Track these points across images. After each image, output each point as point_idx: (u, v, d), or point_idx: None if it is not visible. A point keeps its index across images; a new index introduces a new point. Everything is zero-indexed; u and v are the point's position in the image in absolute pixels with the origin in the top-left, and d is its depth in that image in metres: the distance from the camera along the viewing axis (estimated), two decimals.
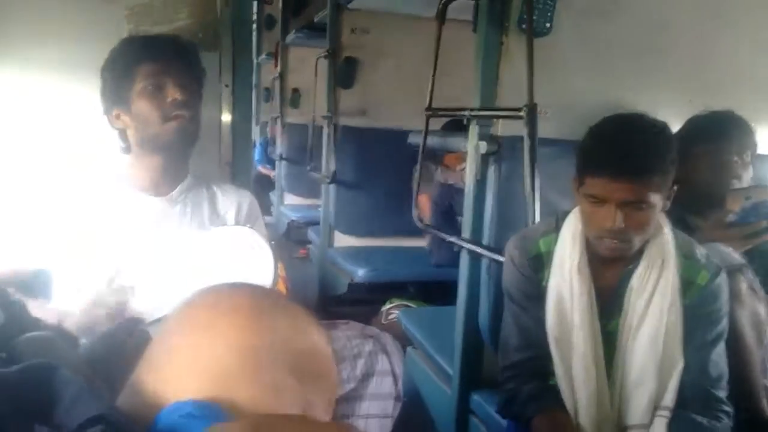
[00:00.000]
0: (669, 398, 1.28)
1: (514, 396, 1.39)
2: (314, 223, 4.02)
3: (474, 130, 1.72)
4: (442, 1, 1.94)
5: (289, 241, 4.69)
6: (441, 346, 2.01)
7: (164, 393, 0.51)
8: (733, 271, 1.39)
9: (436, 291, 2.92)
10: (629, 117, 1.29)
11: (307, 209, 4.72)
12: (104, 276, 1.34)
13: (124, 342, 0.93)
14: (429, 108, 2.05)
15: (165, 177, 1.44)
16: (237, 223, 1.51)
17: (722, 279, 1.32)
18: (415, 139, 2.21)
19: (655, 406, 1.29)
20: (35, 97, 1.65)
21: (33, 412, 0.46)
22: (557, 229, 1.39)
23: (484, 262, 1.72)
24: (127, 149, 1.44)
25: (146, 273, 1.35)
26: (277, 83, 4.82)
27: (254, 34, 5.38)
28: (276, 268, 1.15)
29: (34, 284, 1.37)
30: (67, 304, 1.30)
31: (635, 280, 1.32)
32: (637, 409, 1.30)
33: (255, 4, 5.54)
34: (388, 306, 2.91)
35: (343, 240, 3.51)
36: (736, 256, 1.46)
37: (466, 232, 1.80)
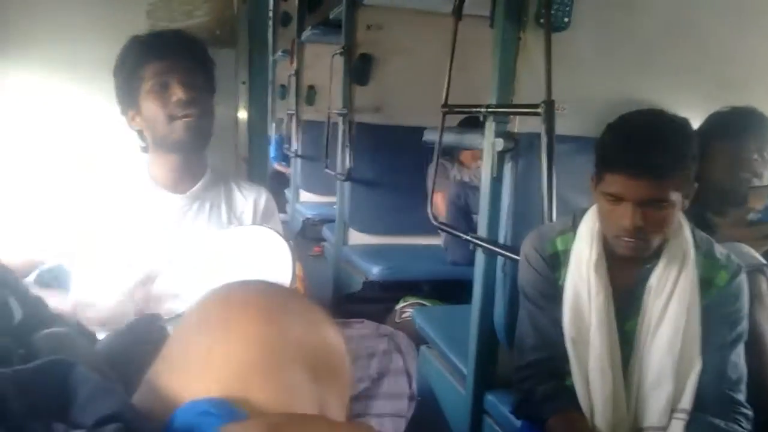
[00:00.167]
0: (686, 400, 1.27)
1: (529, 396, 1.38)
2: (329, 220, 4.03)
3: (490, 127, 1.71)
4: None
5: (304, 238, 4.71)
6: (455, 346, 2.01)
7: (180, 390, 0.51)
8: (753, 271, 1.37)
9: (450, 289, 2.91)
10: (649, 113, 1.27)
11: (323, 207, 4.72)
12: (125, 272, 1.35)
13: (141, 339, 0.94)
14: (445, 105, 2.04)
15: (183, 174, 1.45)
16: (254, 219, 1.52)
17: (742, 279, 1.30)
18: (430, 137, 2.20)
19: (672, 408, 1.27)
20: (56, 94, 1.66)
21: (50, 408, 0.46)
22: (574, 227, 1.38)
23: (500, 261, 1.71)
24: (147, 148, 1.45)
25: (166, 270, 1.36)
26: (292, 80, 4.83)
27: (270, 31, 5.39)
28: (294, 268, 1.15)
29: (51, 278, 1.39)
30: (86, 298, 1.32)
31: (654, 280, 1.30)
32: (654, 410, 1.28)
33: (271, 1, 5.55)
34: (402, 304, 2.91)
35: (358, 238, 3.51)
36: (756, 255, 1.44)
37: (481, 230, 1.79)
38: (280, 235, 1.21)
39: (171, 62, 1.36)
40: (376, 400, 1.38)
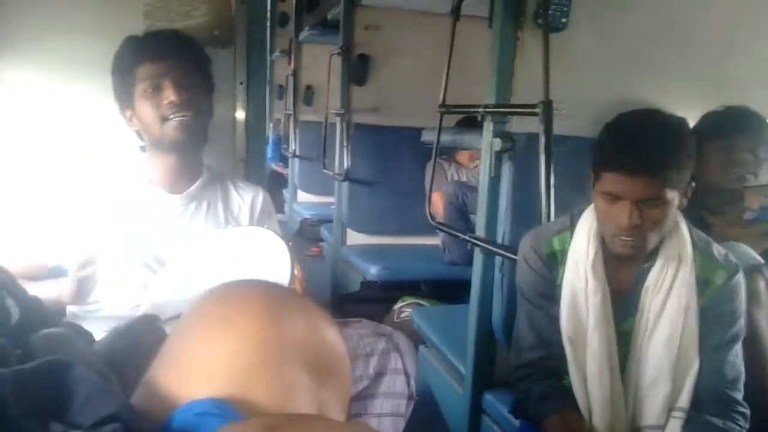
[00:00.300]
0: (684, 399, 1.27)
1: (527, 395, 1.38)
2: (327, 220, 4.02)
3: (488, 127, 1.71)
4: None
5: (301, 238, 4.70)
6: (453, 345, 2.00)
7: (179, 390, 0.51)
8: (750, 271, 1.38)
9: (448, 289, 2.91)
10: (645, 113, 1.28)
11: (320, 207, 4.72)
12: (125, 269, 1.35)
13: (139, 339, 0.94)
14: (443, 105, 2.04)
15: (179, 174, 1.45)
16: (251, 219, 1.52)
17: (740, 278, 1.31)
18: (428, 137, 2.20)
19: (669, 407, 1.28)
20: (54, 95, 1.66)
21: (48, 409, 0.46)
22: (572, 226, 1.38)
23: (498, 261, 1.71)
24: (145, 147, 1.45)
25: (163, 269, 1.36)
26: (290, 80, 4.83)
27: (268, 31, 5.38)
28: (293, 268, 1.15)
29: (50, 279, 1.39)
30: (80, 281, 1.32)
31: (651, 279, 1.30)
32: (651, 409, 1.28)
33: (269, 1, 5.55)
34: (400, 304, 2.90)
35: (355, 238, 3.51)
36: (754, 254, 1.44)
37: (479, 230, 1.79)
38: (279, 235, 1.21)
39: (164, 64, 1.36)
40: (374, 399, 1.39)
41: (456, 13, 1.97)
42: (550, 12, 1.57)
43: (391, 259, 3.16)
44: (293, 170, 5.10)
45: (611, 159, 1.23)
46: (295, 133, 4.86)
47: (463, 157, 3.37)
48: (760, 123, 1.65)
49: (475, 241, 1.78)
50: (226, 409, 0.47)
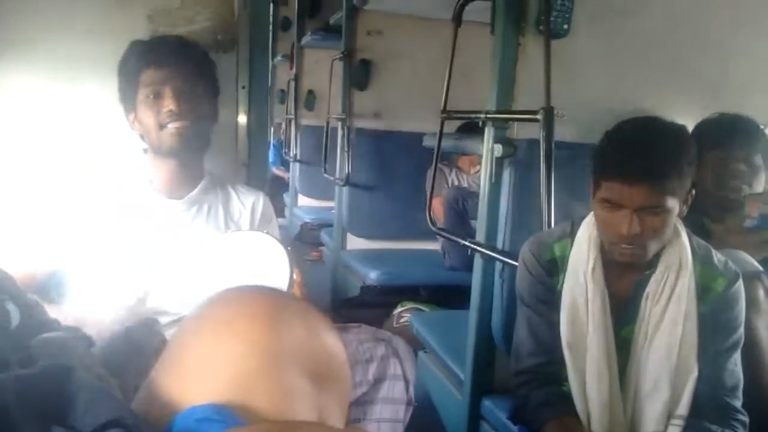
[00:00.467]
0: (683, 407, 1.27)
1: (526, 402, 1.38)
2: (328, 225, 4.03)
3: (489, 132, 1.72)
4: (459, 3, 1.94)
5: (302, 243, 4.70)
6: (453, 351, 2.00)
7: (179, 396, 0.51)
8: (750, 278, 1.37)
9: (448, 295, 2.91)
10: (646, 120, 1.28)
11: (321, 211, 4.73)
12: (123, 279, 1.35)
13: (140, 344, 0.94)
14: (444, 110, 2.04)
15: (180, 179, 1.45)
16: (251, 224, 1.52)
17: (740, 286, 1.30)
18: (429, 142, 2.20)
19: (668, 415, 1.27)
20: (56, 99, 1.67)
21: (48, 413, 0.46)
22: (572, 233, 1.38)
23: (498, 266, 1.71)
24: (147, 150, 1.46)
25: (163, 275, 1.36)
26: (292, 85, 4.84)
27: (270, 36, 5.39)
28: (292, 273, 1.15)
29: (50, 286, 1.38)
30: (84, 307, 1.32)
31: (652, 286, 1.30)
32: (650, 417, 1.28)
33: (271, 6, 5.56)
34: (399, 309, 2.90)
35: (356, 242, 3.51)
36: (753, 262, 1.44)
37: (480, 236, 1.79)
38: (278, 240, 1.22)
39: (166, 71, 1.37)
40: (373, 405, 1.38)
41: (458, 19, 1.98)
42: (551, 18, 1.58)
43: (391, 264, 3.16)
44: (294, 174, 5.11)
45: (611, 167, 1.23)
46: (296, 137, 4.87)
47: (463, 162, 3.38)
48: (752, 131, 1.64)
49: (476, 246, 1.78)
50: (226, 414, 0.47)
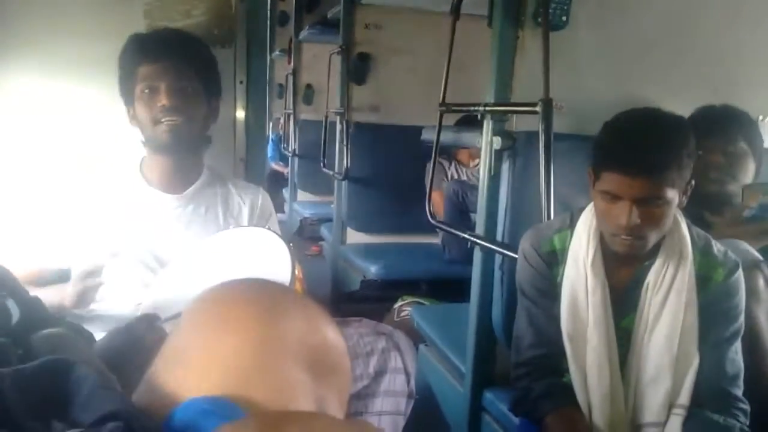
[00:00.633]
0: (684, 396, 1.27)
1: (527, 393, 1.38)
2: (327, 220, 4.03)
3: (488, 125, 1.71)
4: None
5: (301, 238, 4.71)
6: (453, 344, 2.01)
7: (180, 389, 0.51)
8: (750, 268, 1.38)
9: (448, 288, 2.91)
10: (645, 111, 1.28)
11: (320, 206, 4.72)
12: (123, 275, 1.35)
13: (140, 338, 0.94)
14: (443, 103, 2.04)
15: (177, 175, 1.45)
16: (251, 219, 1.52)
17: (739, 275, 1.31)
18: (428, 135, 2.20)
19: (670, 404, 1.28)
20: (52, 94, 1.66)
21: (49, 408, 0.47)
22: (572, 225, 1.38)
23: (498, 259, 1.71)
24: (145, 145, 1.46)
25: (163, 270, 1.36)
26: (290, 79, 4.83)
27: (268, 30, 5.37)
28: (293, 269, 1.15)
29: (56, 282, 1.39)
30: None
31: (652, 277, 1.30)
32: (651, 407, 1.29)
33: (269, 0, 5.54)
34: (400, 303, 2.90)
35: (355, 237, 3.51)
36: (753, 252, 1.44)
37: (479, 229, 1.79)
38: (279, 236, 1.21)
39: (162, 65, 1.36)
40: (374, 398, 1.38)
41: (456, 11, 1.97)
42: (550, 10, 1.57)
43: (391, 258, 3.16)
44: (293, 169, 5.11)
45: (610, 158, 1.23)
46: (294, 132, 4.87)
47: (463, 155, 3.38)
48: (730, 120, 1.62)
49: (475, 239, 1.78)
50: (226, 407, 0.47)
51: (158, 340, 0.58)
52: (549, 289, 1.39)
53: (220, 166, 1.63)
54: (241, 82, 1.85)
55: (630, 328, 1.33)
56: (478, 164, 2.95)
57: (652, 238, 1.26)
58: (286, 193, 5.39)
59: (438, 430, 2.01)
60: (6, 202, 1.59)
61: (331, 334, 0.58)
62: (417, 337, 2.13)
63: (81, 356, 0.55)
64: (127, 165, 1.47)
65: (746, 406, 1.28)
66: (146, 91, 1.36)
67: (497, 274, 1.72)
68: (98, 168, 1.49)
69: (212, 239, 1.30)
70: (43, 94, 1.65)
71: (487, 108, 1.69)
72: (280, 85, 5.75)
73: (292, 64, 4.79)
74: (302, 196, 5.13)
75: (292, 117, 4.88)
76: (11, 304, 0.69)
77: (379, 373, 1.39)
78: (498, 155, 1.70)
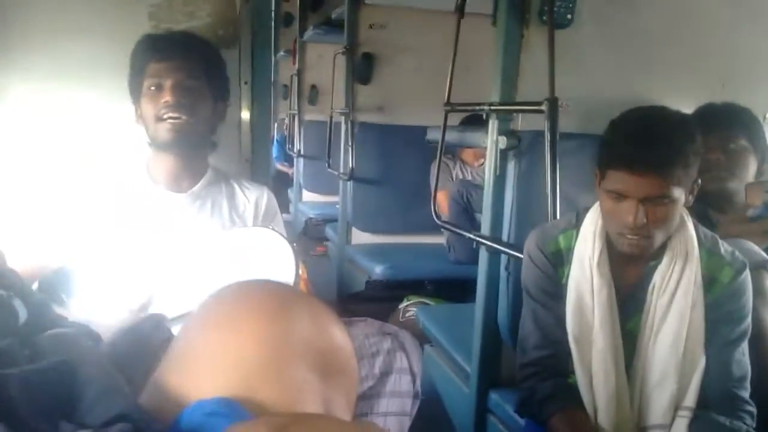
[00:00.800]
0: (690, 398, 1.26)
1: (532, 394, 1.37)
2: (332, 220, 4.03)
3: (493, 125, 1.71)
4: None
5: (307, 238, 4.71)
6: (459, 344, 2.00)
7: (187, 390, 0.51)
8: (756, 268, 1.37)
9: (454, 288, 2.91)
10: (651, 110, 1.27)
11: (325, 206, 4.72)
12: (128, 275, 1.35)
13: (146, 339, 0.94)
14: (447, 103, 2.04)
15: (182, 174, 1.46)
16: (255, 219, 1.52)
17: (747, 276, 1.30)
18: (433, 135, 2.20)
19: (675, 406, 1.27)
20: (57, 97, 1.67)
21: (56, 409, 0.47)
22: (577, 225, 1.38)
23: (503, 259, 1.71)
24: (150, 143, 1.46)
25: (168, 269, 1.36)
26: (294, 80, 4.83)
27: (272, 31, 5.38)
28: (297, 269, 1.15)
29: (56, 284, 1.39)
30: (89, 307, 1.32)
31: (658, 277, 1.30)
32: (657, 408, 1.28)
33: (273, 1, 5.55)
34: (405, 303, 2.90)
35: (360, 237, 3.51)
36: (760, 252, 1.43)
37: (484, 229, 1.79)
38: (283, 236, 1.21)
39: (169, 64, 1.37)
40: (380, 398, 1.38)
41: (461, 10, 1.97)
42: (555, 8, 1.57)
43: (396, 258, 3.16)
44: (298, 170, 5.11)
45: (617, 157, 1.23)
46: (299, 132, 4.87)
47: (468, 155, 3.37)
48: (728, 117, 1.61)
49: (481, 239, 1.78)
50: (234, 408, 0.47)
51: (165, 341, 0.58)
52: (554, 290, 1.38)
53: (225, 166, 1.63)
54: (245, 83, 1.85)
55: (636, 330, 1.32)
56: (483, 164, 2.94)
57: (659, 238, 1.25)
58: (291, 193, 5.40)
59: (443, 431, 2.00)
60: (12, 201, 1.59)
61: (338, 335, 0.58)
62: (422, 338, 2.12)
63: (88, 357, 0.55)
64: (132, 164, 1.47)
65: (753, 408, 1.27)
66: (152, 88, 1.38)
67: (503, 274, 1.71)
68: (103, 167, 1.50)
69: (217, 239, 1.30)
70: (48, 96, 1.66)
71: (492, 107, 1.69)
72: (285, 86, 5.75)
73: (296, 64, 4.79)
74: (307, 196, 5.14)
75: (296, 117, 4.89)
76: (18, 305, 0.69)
77: (385, 374, 1.39)
78: (503, 155, 1.70)
